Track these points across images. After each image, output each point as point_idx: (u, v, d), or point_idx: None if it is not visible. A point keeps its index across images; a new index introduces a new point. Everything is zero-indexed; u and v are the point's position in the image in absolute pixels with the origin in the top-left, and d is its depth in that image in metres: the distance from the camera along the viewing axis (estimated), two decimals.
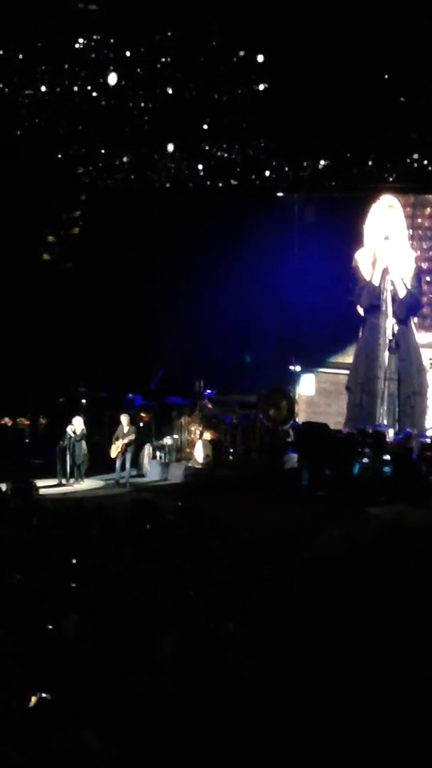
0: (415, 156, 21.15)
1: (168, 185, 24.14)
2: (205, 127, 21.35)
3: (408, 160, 21.38)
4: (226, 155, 22.75)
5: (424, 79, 18.30)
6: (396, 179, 22.19)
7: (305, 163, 22.33)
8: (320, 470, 19.80)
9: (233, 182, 23.59)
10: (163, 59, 19.57)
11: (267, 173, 23.15)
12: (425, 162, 21.23)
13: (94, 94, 20.65)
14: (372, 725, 3.30)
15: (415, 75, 18.35)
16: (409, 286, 21.65)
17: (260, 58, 18.71)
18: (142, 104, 21.06)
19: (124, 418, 21.41)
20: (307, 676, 3.45)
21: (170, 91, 20.21)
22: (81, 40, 19.33)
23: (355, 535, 11.80)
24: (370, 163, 21.92)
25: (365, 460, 19.27)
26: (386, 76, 18.29)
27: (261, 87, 19.71)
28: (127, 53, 19.50)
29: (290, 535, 11.88)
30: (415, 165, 21.40)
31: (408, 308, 21.71)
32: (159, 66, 19.69)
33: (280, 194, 24.49)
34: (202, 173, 23.39)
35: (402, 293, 21.56)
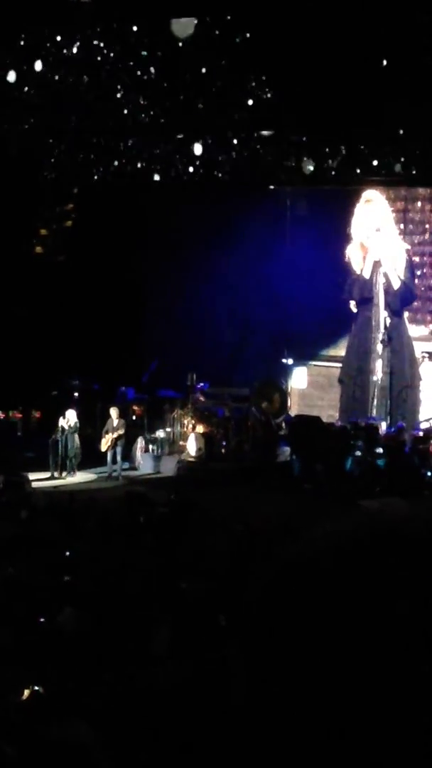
0: (405, 149, 21.17)
1: (160, 178, 24.11)
2: (198, 119, 21.32)
3: (398, 153, 21.39)
4: (219, 148, 22.73)
5: (417, 72, 18.31)
6: (386, 173, 22.21)
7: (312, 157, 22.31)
8: (312, 463, 19.81)
9: (225, 175, 23.58)
10: (156, 51, 19.53)
11: (259, 165, 23.15)
12: (415, 155, 21.25)
13: (87, 87, 20.62)
14: (366, 716, 3.33)
15: (408, 69, 18.35)
16: (402, 278, 21.65)
17: (253, 49, 18.70)
18: (135, 96, 21.03)
19: (114, 412, 21.39)
20: (300, 668, 3.47)
21: (164, 84, 20.20)
22: (73, 34, 19.29)
23: (346, 528, 11.85)
24: (362, 155, 21.94)
25: (358, 453, 19.28)
26: (381, 66, 18.27)
27: (255, 81, 19.73)
28: (120, 46, 19.47)
29: (283, 527, 11.91)
30: (404, 158, 21.42)
31: (402, 300, 21.71)
32: (152, 58, 19.66)
33: (272, 187, 24.49)
34: (194, 166, 23.37)
35: (396, 285, 21.56)
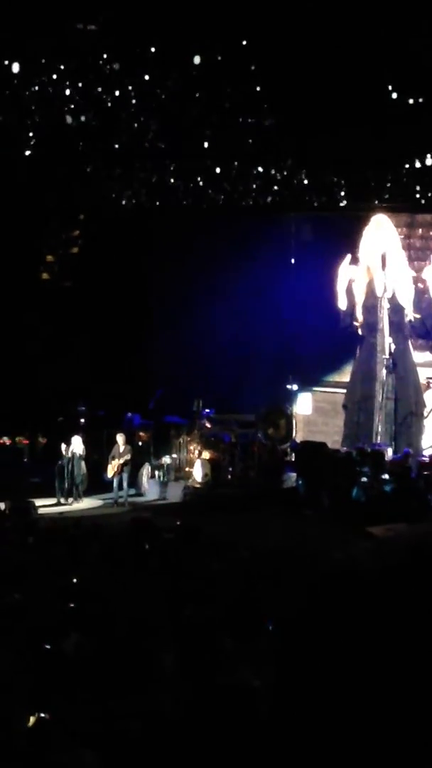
0: (410, 176, 21.25)
1: (166, 204, 24.22)
2: (204, 146, 21.43)
3: (403, 180, 21.47)
4: (223, 174, 22.84)
5: (422, 98, 18.41)
6: (390, 199, 22.29)
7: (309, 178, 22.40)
8: (318, 489, 19.78)
9: (230, 200, 23.67)
10: (162, 78, 19.67)
11: (264, 192, 23.25)
12: (418, 182, 21.33)
13: (93, 113, 20.74)
14: (394, 746, 3.30)
15: (412, 95, 18.46)
16: (417, 310, 21.59)
17: (258, 77, 18.85)
18: (141, 123, 21.15)
19: (120, 438, 21.39)
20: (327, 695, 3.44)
21: (170, 110, 20.32)
22: (80, 61, 19.44)
23: (355, 554, 11.78)
24: (368, 181, 22.04)
25: (364, 479, 19.26)
26: (386, 95, 18.39)
27: (258, 105, 19.84)
28: (127, 73, 19.60)
29: (289, 553, 11.88)
30: (409, 184, 21.50)
31: (421, 333, 21.71)
32: (158, 85, 19.79)
33: (276, 213, 24.56)
34: (199, 192, 23.48)
35: (408, 315, 21.54)
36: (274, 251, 24.33)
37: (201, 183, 23.19)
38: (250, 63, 18.52)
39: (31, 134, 21.64)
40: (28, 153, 22.25)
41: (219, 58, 18.49)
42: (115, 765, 4.59)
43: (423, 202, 22.07)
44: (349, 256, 22.01)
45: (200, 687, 5.17)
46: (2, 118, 20.84)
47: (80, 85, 19.87)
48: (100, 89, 20.00)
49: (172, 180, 23.34)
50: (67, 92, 20.06)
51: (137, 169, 23.20)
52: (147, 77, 19.53)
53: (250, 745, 4.23)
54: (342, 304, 21.98)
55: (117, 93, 20.07)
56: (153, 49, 18.78)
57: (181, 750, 4.64)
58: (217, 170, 22.58)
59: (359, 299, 22.09)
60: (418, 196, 21.77)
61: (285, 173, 22.47)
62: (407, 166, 20.95)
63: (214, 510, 19.05)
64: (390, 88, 18.10)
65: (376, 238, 22.16)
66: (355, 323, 22.11)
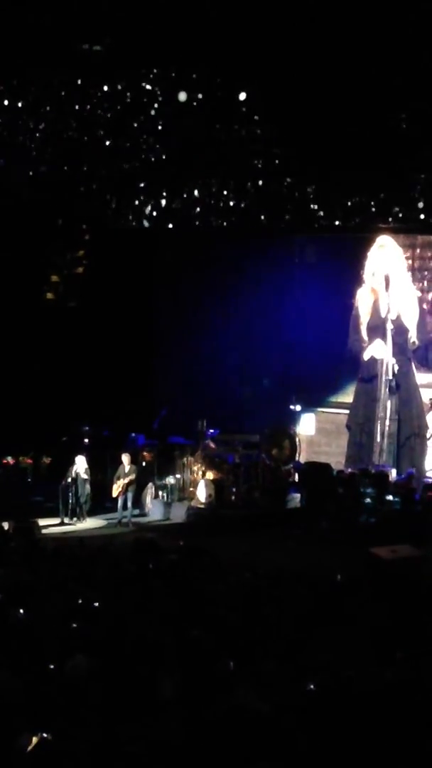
0: (417, 196, 21.31)
1: (171, 225, 24.29)
2: (208, 167, 21.53)
3: (409, 201, 21.53)
4: (227, 195, 22.93)
5: (428, 119, 18.50)
6: (397, 220, 22.34)
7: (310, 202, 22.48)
8: (322, 510, 19.76)
9: (234, 222, 23.75)
10: (167, 99, 19.79)
11: (268, 213, 23.32)
12: (423, 204, 21.39)
13: (98, 133, 20.85)
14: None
15: (419, 115, 18.54)
16: (415, 331, 21.60)
17: (262, 99, 18.93)
18: (145, 144, 21.25)
19: (125, 458, 21.38)
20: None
21: (176, 131, 20.43)
22: (86, 81, 19.57)
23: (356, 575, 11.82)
24: (371, 202, 22.10)
25: (368, 500, 19.25)
26: (389, 117, 18.47)
27: (263, 127, 19.93)
28: (131, 94, 19.73)
29: (293, 575, 11.88)
30: (418, 205, 21.55)
31: (422, 359, 21.73)
32: (162, 106, 19.91)
33: (281, 235, 24.61)
34: (204, 213, 23.55)
35: (411, 336, 21.58)
36: (278, 273, 24.37)
37: (206, 204, 23.26)
38: (255, 84, 18.63)
39: (35, 154, 21.74)
40: (33, 172, 22.35)
41: (225, 78, 18.60)
42: None
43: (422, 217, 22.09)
44: None
45: (205, 711, 5.16)
46: (7, 137, 20.95)
47: (86, 104, 19.98)
48: (105, 109, 20.11)
49: (176, 201, 23.42)
50: (73, 112, 20.17)
51: (143, 189, 23.29)
52: (153, 97, 19.64)
53: None
54: (377, 319, 21.98)
55: (123, 113, 20.17)
56: (159, 70, 18.90)
57: None
58: (223, 192, 22.65)
59: (364, 320, 22.16)
60: (423, 216, 21.79)
61: (289, 195, 22.54)
62: (412, 187, 21.00)
63: (218, 531, 19.03)
64: (396, 109, 18.19)
65: (380, 259, 22.22)
66: (363, 344, 22.17)
